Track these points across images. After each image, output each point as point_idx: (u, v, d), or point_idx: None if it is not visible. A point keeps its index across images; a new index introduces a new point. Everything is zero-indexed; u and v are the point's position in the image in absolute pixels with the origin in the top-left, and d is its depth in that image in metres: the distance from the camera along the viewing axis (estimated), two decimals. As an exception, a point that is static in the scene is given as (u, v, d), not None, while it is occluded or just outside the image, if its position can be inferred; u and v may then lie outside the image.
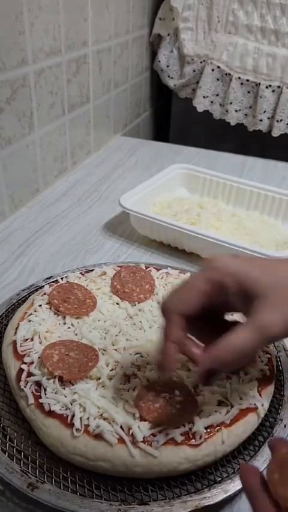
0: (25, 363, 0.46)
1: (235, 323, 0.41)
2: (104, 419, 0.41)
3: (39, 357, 0.46)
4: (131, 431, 0.40)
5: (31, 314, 0.52)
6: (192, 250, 0.75)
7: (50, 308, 0.54)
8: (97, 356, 0.47)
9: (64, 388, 0.44)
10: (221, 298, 0.38)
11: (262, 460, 0.42)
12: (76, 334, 0.51)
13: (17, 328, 0.51)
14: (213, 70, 1.28)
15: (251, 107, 1.30)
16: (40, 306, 0.54)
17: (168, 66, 1.35)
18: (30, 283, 0.64)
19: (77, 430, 0.41)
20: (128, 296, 0.57)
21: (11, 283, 0.68)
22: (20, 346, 0.48)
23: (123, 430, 0.40)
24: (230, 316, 0.44)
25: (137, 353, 0.48)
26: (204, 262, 0.41)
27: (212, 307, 0.39)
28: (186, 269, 0.63)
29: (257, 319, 0.36)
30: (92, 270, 0.62)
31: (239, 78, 1.26)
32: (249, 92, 1.28)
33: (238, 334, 0.36)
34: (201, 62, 1.30)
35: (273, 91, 1.24)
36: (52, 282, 0.60)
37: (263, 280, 0.37)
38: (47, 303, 0.54)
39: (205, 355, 0.38)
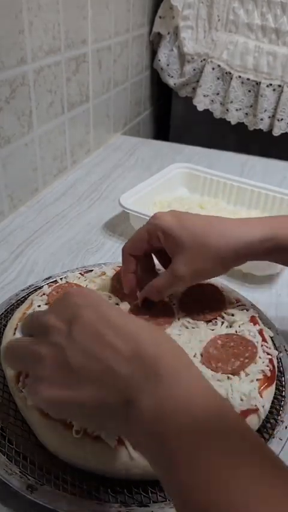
0: None
1: None
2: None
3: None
4: None
5: None
6: None
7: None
8: None
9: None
10: (159, 245, 0.51)
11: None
12: None
13: (15, 329, 0.50)
14: (213, 69, 1.28)
15: (251, 106, 1.29)
16: (39, 306, 0.54)
17: (168, 65, 1.34)
18: (29, 284, 0.64)
19: (77, 431, 0.40)
20: (127, 296, 0.56)
21: (10, 283, 0.68)
22: None
23: (122, 431, 0.40)
24: None
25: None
26: (153, 217, 0.52)
27: (158, 250, 0.53)
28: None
29: (173, 269, 0.50)
30: (92, 270, 0.62)
31: (240, 77, 1.26)
32: (249, 91, 1.27)
33: (160, 278, 0.52)
34: (201, 61, 1.29)
35: (274, 90, 1.24)
36: (51, 282, 0.60)
37: (184, 239, 0.49)
38: (46, 303, 0.54)
39: (142, 291, 0.53)
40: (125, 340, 0.32)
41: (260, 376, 0.46)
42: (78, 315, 0.34)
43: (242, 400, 0.44)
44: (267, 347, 0.50)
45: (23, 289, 0.61)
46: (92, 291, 0.39)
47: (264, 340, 0.51)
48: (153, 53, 1.37)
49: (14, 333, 0.50)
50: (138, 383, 0.31)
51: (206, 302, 0.56)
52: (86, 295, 0.36)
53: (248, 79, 1.25)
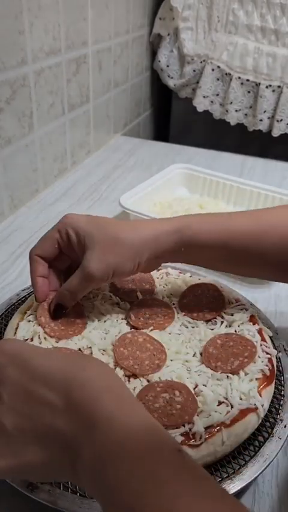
0: None
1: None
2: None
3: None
4: None
5: (31, 314, 0.52)
6: None
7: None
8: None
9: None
10: (69, 245, 0.49)
11: (262, 461, 0.42)
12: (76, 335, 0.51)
13: (16, 329, 0.51)
14: (213, 70, 1.28)
15: (251, 107, 1.30)
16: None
17: (168, 66, 1.35)
18: (29, 283, 0.64)
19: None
20: (127, 296, 0.56)
21: (10, 283, 0.68)
22: None
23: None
24: None
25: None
26: (63, 217, 0.51)
27: (68, 252, 0.50)
28: (186, 269, 0.63)
29: (84, 266, 0.47)
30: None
31: (239, 78, 1.26)
32: (249, 92, 1.28)
33: (72, 279, 0.48)
34: (201, 62, 1.29)
35: (274, 91, 1.24)
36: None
37: (95, 235, 0.47)
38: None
39: (53, 297, 0.51)
40: (55, 389, 0.31)
41: (259, 376, 0.47)
42: (3, 377, 0.32)
43: (241, 399, 0.44)
44: (266, 346, 0.50)
45: (24, 289, 0.61)
46: (10, 342, 0.36)
47: (263, 339, 0.51)
48: (153, 54, 1.37)
49: (15, 333, 0.50)
50: (77, 435, 0.29)
51: (205, 302, 0.56)
52: (5, 350, 0.34)
53: (248, 80, 1.26)
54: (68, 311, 0.52)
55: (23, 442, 0.31)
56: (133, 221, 0.51)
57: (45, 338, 0.49)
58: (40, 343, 0.49)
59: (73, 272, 0.49)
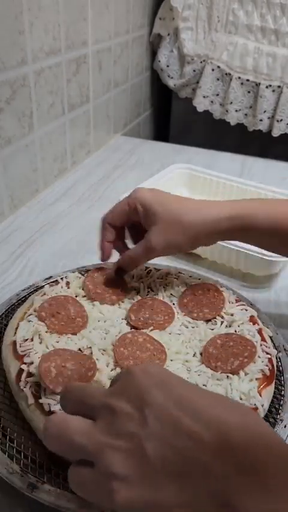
0: (25, 363, 0.46)
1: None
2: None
3: (38, 357, 0.46)
4: None
5: (31, 314, 0.52)
6: (193, 251, 0.75)
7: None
8: (95, 364, 0.46)
9: (64, 389, 0.44)
10: (137, 218, 0.55)
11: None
12: (76, 334, 0.51)
13: (16, 328, 0.51)
14: (213, 70, 1.28)
15: (251, 107, 1.30)
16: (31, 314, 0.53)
17: (168, 66, 1.35)
18: (29, 283, 0.64)
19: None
20: (100, 297, 0.56)
21: (10, 283, 0.68)
22: (20, 346, 0.48)
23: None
24: None
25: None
26: (134, 190, 0.56)
27: (136, 223, 0.56)
28: (186, 269, 0.63)
29: (147, 239, 0.53)
30: (91, 270, 0.62)
31: (239, 78, 1.26)
32: (249, 92, 1.28)
33: (135, 248, 0.56)
34: (201, 62, 1.29)
35: (274, 91, 1.24)
36: (52, 282, 0.60)
37: (160, 212, 0.53)
38: (36, 316, 0.53)
39: (117, 260, 0.58)
40: (205, 425, 0.27)
41: (259, 376, 0.47)
42: (148, 399, 0.29)
43: (241, 399, 0.44)
44: (266, 346, 0.50)
45: (24, 289, 0.61)
46: (156, 367, 0.32)
47: (263, 339, 0.51)
48: (153, 54, 1.38)
49: (15, 333, 0.50)
50: (236, 481, 0.25)
51: (205, 302, 0.56)
52: (150, 373, 0.31)
53: (248, 80, 1.26)
54: (69, 307, 0.53)
55: (164, 474, 0.27)
56: (196, 201, 0.55)
57: (45, 338, 0.49)
58: (40, 342, 0.49)
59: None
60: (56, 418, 0.31)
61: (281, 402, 0.48)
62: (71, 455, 0.31)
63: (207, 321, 0.54)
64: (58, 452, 0.31)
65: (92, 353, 0.48)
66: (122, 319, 0.54)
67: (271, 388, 0.47)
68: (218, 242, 0.68)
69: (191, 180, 0.92)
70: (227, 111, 1.31)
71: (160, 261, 0.73)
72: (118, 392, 0.30)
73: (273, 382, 0.47)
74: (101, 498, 0.29)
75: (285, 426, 0.45)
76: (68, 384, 0.42)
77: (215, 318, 0.54)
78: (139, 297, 0.57)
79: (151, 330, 0.52)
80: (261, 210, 0.52)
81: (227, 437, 0.27)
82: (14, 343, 0.49)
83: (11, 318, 0.55)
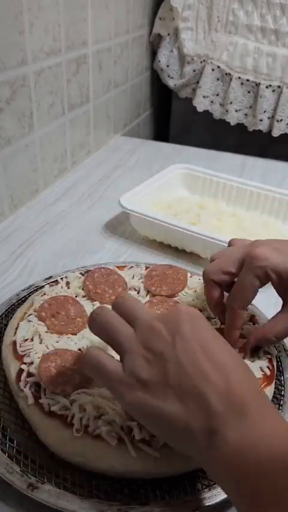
0: (25, 363, 0.46)
1: None
2: (104, 420, 0.41)
3: (38, 357, 0.46)
4: (132, 433, 0.40)
5: (31, 314, 0.52)
6: (193, 251, 0.75)
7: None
8: None
9: (64, 389, 0.44)
10: (265, 283, 0.47)
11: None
12: (76, 334, 0.51)
13: (16, 328, 0.51)
14: (213, 70, 1.28)
15: (251, 107, 1.30)
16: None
17: (168, 66, 1.35)
18: (29, 283, 0.64)
19: (77, 430, 0.40)
20: (99, 297, 0.56)
21: (10, 283, 0.68)
22: (20, 346, 0.48)
23: (123, 430, 0.40)
24: None
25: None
26: (250, 257, 0.45)
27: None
28: (187, 269, 0.63)
29: None
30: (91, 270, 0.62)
31: (239, 78, 1.26)
32: (249, 92, 1.28)
33: (278, 323, 0.47)
34: (201, 62, 1.29)
35: (273, 91, 1.24)
36: (52, 282, 0.60)
37: None
38: (36, 316, 0.53)
39: (253, 336, 0.48)
40: (220, 374, 0.33)
41: (260, 375, 0.47)
42: (181, 330, 0.35)
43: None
44: (266, 346, 0.50)
45: (24, 289, 0.61)
46: (198, 313, 0.37)
47: None
48: (153, 54, 1.37)
49: (15, 333, 0.50)
50: (225, 417, 0.32)
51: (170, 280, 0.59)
52: (190, 313, 0.37)
53: (248, 80, 1.26)
54: (69, 307, 0.53)
55: (173, 394, 0.33)
56: None
57: (45, 338, 0.49)
58: (40, 342, 0.49)
59: None
60: (108, 312, 0.39)
61: (281, 402, 0.48)
62: (107, 341, 0.38)
63: (168, 296, 0.57)
64: (97, 334, 0.39)
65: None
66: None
67: (271, 388, 0.47)
68: (214, 240, 0.68)
69: (190, 180, 0.92)
70: (227, 111, 1.31)
71: (160, 261, 0.73)
72: (161, 318, 0.37)
73: (273, 382, 0.47)
74: (117, 389, 0.36)
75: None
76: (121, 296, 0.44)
77: (214, 318, 0.54)
78: (139, 297, 0.57)
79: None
80: None
81: (231, 388, 0.33)
82: (14, 343, 0.49)
83: (11, 318, 0.55)
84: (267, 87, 1.24)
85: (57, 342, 0.49)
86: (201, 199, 0.89)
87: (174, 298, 0.57)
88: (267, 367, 0.48)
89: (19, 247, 0.77)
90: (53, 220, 0.86)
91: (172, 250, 0.77)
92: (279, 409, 0.47)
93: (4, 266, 0.72)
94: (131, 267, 0.62)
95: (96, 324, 0.39)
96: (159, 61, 1.34)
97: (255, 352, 0.49)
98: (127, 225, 0.81)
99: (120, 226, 0.84)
